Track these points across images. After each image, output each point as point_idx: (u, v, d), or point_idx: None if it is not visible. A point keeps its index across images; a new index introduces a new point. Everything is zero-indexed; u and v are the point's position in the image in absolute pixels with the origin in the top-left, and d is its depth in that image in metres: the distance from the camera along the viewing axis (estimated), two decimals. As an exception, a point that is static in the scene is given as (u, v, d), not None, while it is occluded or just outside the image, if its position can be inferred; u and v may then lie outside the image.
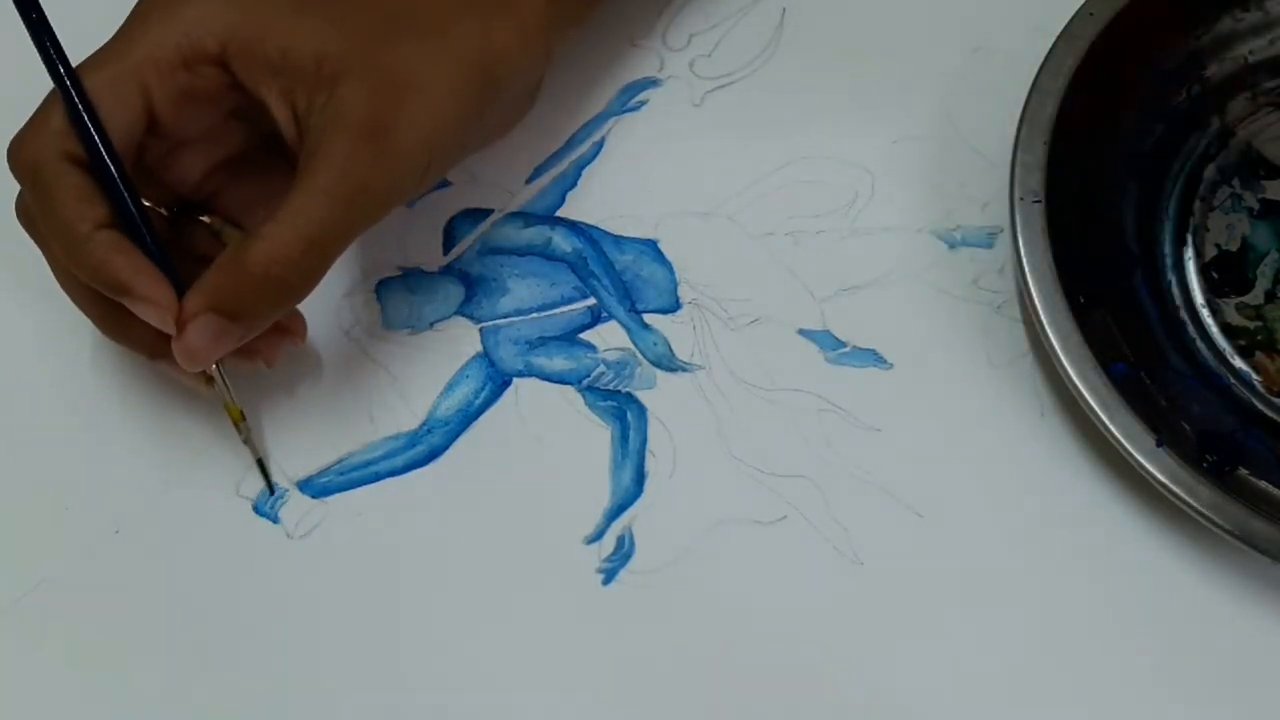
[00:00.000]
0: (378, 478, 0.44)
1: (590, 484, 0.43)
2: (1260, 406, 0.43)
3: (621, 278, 0.46)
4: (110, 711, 0.41)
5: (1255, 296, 0.45)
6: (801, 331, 0.45)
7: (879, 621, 0.42)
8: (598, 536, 0.43)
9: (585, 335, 0.46)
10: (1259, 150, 0.46)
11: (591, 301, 0.46)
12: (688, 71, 0.49)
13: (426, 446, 0.44)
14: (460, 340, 0.46)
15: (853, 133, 0.48)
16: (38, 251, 0.40)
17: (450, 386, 0.45)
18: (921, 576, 0.42)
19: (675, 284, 0.46)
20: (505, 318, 0.46)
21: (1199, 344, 0.44)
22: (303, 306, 0.45)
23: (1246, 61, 0.47)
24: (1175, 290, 0.45)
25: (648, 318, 0.46)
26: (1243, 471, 0.42)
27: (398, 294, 0.46)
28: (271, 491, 0.44)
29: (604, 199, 0.47)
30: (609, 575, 0.42)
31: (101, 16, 0.41)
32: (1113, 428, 0.40)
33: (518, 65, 0.41)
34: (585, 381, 0.45)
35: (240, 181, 0.43)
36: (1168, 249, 0.45)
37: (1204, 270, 0.45)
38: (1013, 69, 0.45)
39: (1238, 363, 0.44)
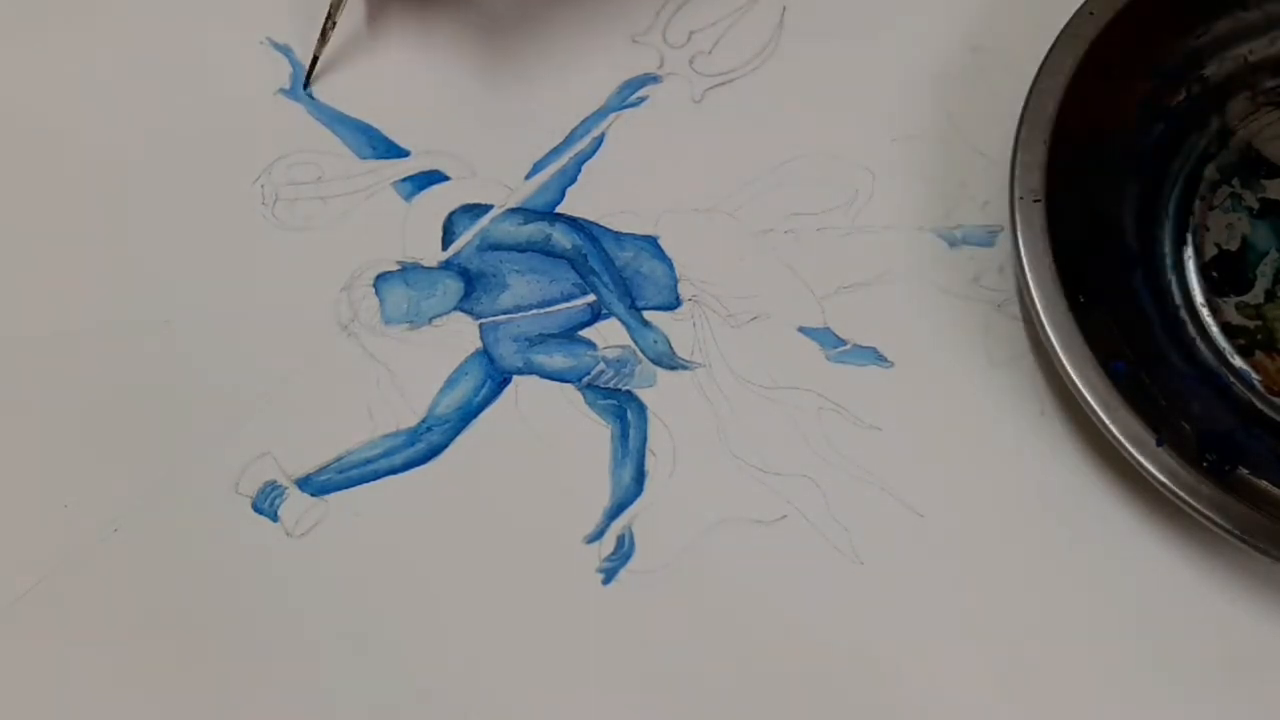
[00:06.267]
0: (377, 476, 0.44)
1: (590, 483, 0.43)
2: (1260, 406, 0.43)
3: (621, 274, 0.46)
4: (110, 710, 0.41)
5: (1255, 296, 0.45)
6: (802, 329, 0.45)
7: (879, 621, 0.42)
8: (598, 536, 0.43)
9: (585, 332, 0.46)
10: (1259, 150, 0.46)
11: (591, 298, 0.46)
12: (688, 68, 0.49)
13: (426, 444, 0.44)
14: (459, 336, 0.46)
15: (853, 131, 0.48)
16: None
17: (450, 383, 0.45)
18: (921, 576, 0.42)
19: (675, 281, 0.46)
20: (505, 314, 0.46)
21: (1199, 343, 0.44)
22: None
23: (1246, 61, 0.47)
24: (1175, 289, 0.45)
25: (648, 315, 0.46)
26: (1243, 470, 0.42)
27: (396, 289, 0.46)
28: (307, 85, 0.48)
29: (604, 195, 0.47)
30: (609, 575, 0.42)
31: None
32: (1113, 427, 0.40)
33: None
34: (585, 380, 0.45)
35: None
36: (1168, 248, 0.45)
37: (1204, 270, 0.45)
38: (1013, 69, 0.45)
39: (1237, 362, 0.44)
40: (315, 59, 0.49)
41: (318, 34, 0.48)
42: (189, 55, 0.49)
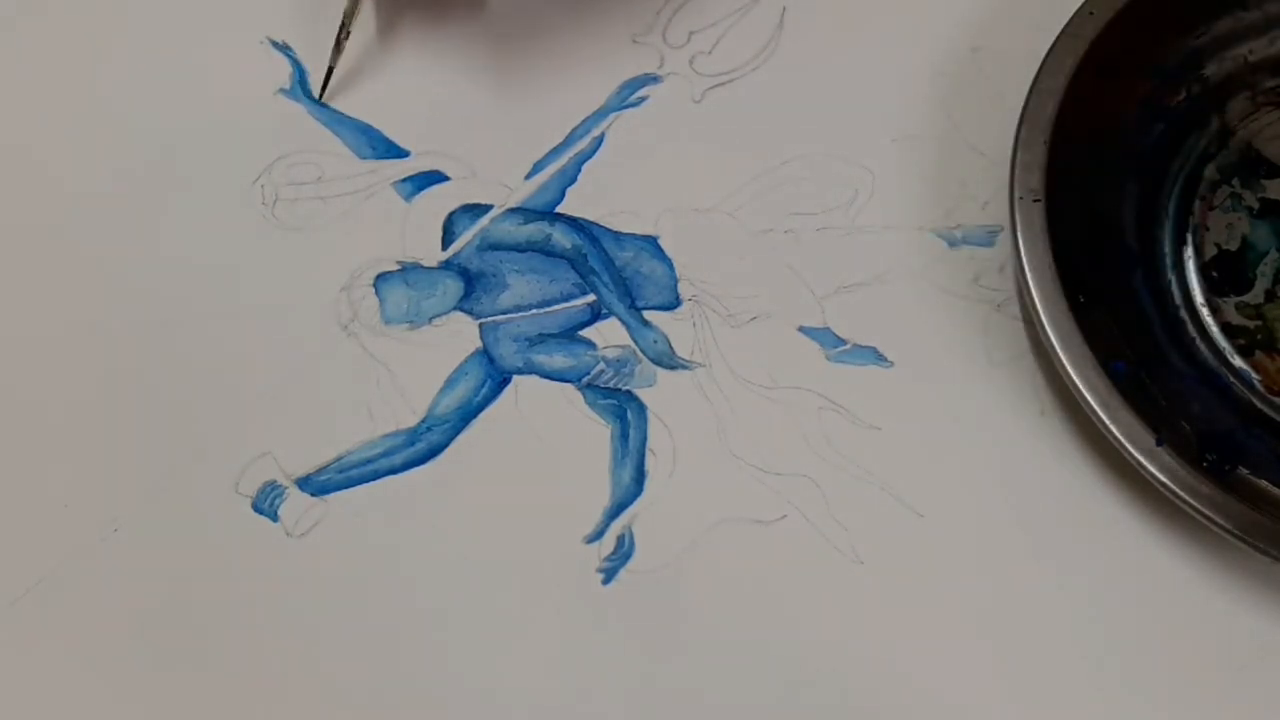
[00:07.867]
0: (377, 476, 0.44)
1: (590, 482, 0.43)
2: (1260, 406, 0.43)
3: (621, 274, 0.46)
4: (110, 710, 0.41)
5: (1255, 296, 0.45)
6: (802, 329, 0.45)
7: (879, 621, 0.42)
8: (598, 535, 0.43)
9: (585, 332, 0.46)
10: (1259, 150, 0.46)
11: (591, 298, 0.46)
12: (688, 68, 0.49)
13: (426, 444, 0.44)
14: (459, 336, 0.46)
15: (853, 131, 0.48)
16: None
17: (449, 383, 0.45)
18: (921, 576, 0.42)
19: (675, 280, 0.46)
20: (505, 314, 0.46)
21: (1199, 343, 0.44)
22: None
23: (1246, 61, 0.47)
24: (1175, 289, 0.45)
25: (648, 314, 0.46)
26: (1243, 470, 0.42)
27: (396, 289, 0.46)
28: (320, 96, 0.48)
29: (604, 195, 0.47)
30: (609, 574, 0.42)
31: None
32: (1113, 427, 0.40)
33: None
34: (585, 379, 0.45)
35: None
36: (1167, 248, 0.45)
37: (1204, 269, 0.45)
38: (1013, 69, 0.45)
39: (1237, 362, 0.44)
40: (330, 70, 0.48)
41: (332, 44, 0.48)
42: (189, 55, 0.49)
